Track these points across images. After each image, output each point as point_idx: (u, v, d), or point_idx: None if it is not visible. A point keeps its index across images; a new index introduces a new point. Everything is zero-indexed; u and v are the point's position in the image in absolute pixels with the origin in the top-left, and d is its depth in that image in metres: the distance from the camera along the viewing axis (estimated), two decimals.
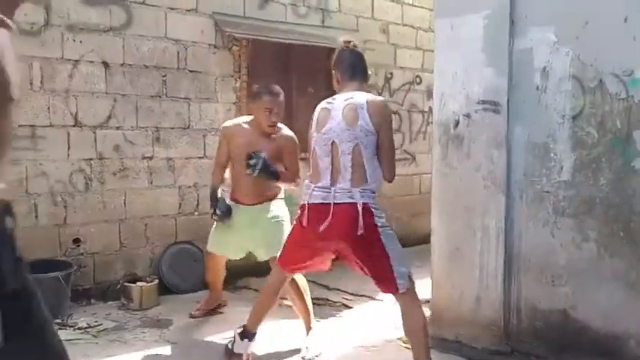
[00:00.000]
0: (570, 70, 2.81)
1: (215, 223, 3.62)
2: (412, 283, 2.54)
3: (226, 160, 3.55)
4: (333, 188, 2.46)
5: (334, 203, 2.43)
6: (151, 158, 4.40)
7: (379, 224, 2.45)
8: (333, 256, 2.70)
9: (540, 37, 2.89)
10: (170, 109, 4.47)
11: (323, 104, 2.66)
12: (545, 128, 2.89)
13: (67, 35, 4.00)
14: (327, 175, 2.50)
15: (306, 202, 2.58)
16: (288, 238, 2.79)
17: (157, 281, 4.13)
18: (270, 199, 3.51)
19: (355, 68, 2.65)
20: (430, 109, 6.11)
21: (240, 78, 4.82)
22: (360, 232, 2.39)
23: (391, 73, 5.99)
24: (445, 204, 3.22)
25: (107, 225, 4.21)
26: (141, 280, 4.09)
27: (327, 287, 4.45)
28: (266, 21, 4.96)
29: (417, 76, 6.23)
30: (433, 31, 3.44)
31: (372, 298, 4.16)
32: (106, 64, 4.15)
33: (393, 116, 2.54)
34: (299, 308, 3.33)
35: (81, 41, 4.04)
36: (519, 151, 2.98)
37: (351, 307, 4.10)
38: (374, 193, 2.48)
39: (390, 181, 2.60)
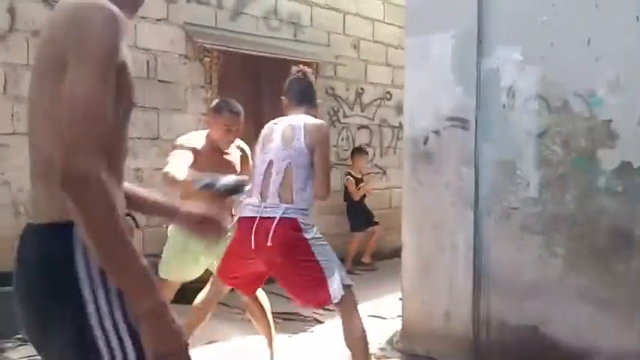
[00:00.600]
0: (536, 90, 2.89)
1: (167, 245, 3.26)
2: (348, 293, 2.57)
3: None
4: (262, 204, 2.55)
5: (260, 217, 2.50)
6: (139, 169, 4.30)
7: (309, 237, 2.51)
8: (266, 276, 2.75)
9: (507, 56, 2.97)
10: (139, 119, 4.39)
11: (269, 125, 2.74)
12: (512, 146, 2.96)
13: (33, 41, 3.89)
14: (259, 192, 2.60)
15: (239, 216, 2.67)
16: (227, 249, 2.79)
17: None
18: None
19: (304, 95, 2.77)
20: (400, 124, 6.18)
21: (210, 89, 4.78)
22: (269, 243, 2.44)
23: (362, 89, 6.05)
24: (415, 219, 3.25)
25: None
26: None
27: None
28: (238, 33, 4.94)
29: (388, 92, 6.31)
30: (403, 49, 3.49)
31: None
32: None
33: (329, 137, 2.64)
34: (260, 325, 3.26)
35: None
36: (487, 168, 3.03)
37: (322, 322, 4.07)
38: (305, 209, 2.55)
39: (324, 199, 2.66)
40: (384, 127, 6.33)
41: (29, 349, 3.36)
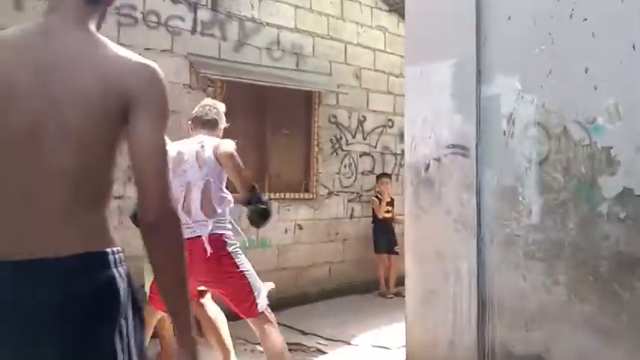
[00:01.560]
0: (535, 117, 2.90)
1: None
2: (267, 308, 2.80)
3: None
4: (192, 223, 2.74)
5: (190, 238, 2.65)
6: (121, 198, 4.32)
7: (231, 250, 2.76)
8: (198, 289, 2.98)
9: (506, 84, 2.99)
10: None
11: (176, 147, 2.93)
12: (513, 172, 2.96)
13: None
14: (186, 211, 2.78)
15: None
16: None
17: None
18: None
19: (208, 119, 3.08)
20: (402, 151, 6.21)
21: None
22: (208, 259, 2.69)
23: (364, 116, 6.10)
24: (418, 246, 3.23)
25: None
26: None
27: (302, 332, 4.36)
28: (241, 63, 5.02)
29: (390, 120, 6.35)
30: (404, 77, 3.53)
31: (348, 343, 4.09)
32: None
33: (233, 144, 2.86)
34: (214, 340, 3.22)
35: None
36: (489, 194, 3.03)
37: (325, 353, 4.01)
38: (224, 217, 2.81)
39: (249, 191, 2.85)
40: (387, 154, 6.36)
41: None
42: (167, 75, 4.40)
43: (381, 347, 3.98)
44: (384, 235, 5.78)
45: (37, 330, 1.03)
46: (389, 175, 6.05)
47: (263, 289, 2.81)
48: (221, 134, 3.12)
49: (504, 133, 3.00)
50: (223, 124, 3.14)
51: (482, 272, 3.02)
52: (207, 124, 3.06)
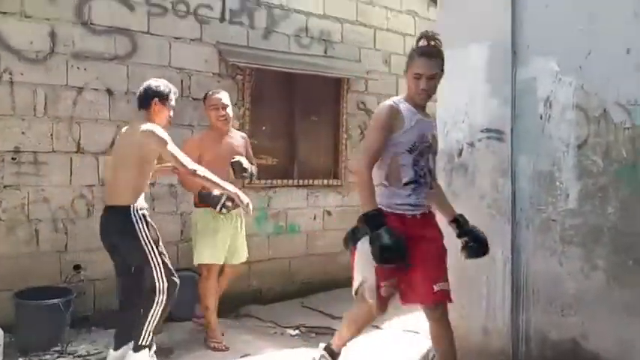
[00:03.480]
0: (574, 100, 2.83)
1: (195, 238, 3.79)
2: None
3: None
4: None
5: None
6: (153, 185, 4.39)
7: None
8: None
9: (543, 66, 2.92)
10: (174, 135, 4.45)
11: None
12: (549, 157, 2.90)
13: (72, 63, 4.04)
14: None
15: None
16: None
17: None
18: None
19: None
20: (433, 136, 6.13)
21: (243, 106, 4.85)
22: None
23: None
24: (451, 232, 3.20)
25: None
26: None
27: (331, 316, 4.38)
28: (269, 51, 5.01)
29: None
30: None
31: (378, 327, 4.09)
32: (110, 92, 4.19)
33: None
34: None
35: (85, 69, 4.08)
36: (524, 179, 2.98)
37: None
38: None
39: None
40: None
41: None
42: (196, 64, 4.52)
43: (412, 332, 3.97)
44: None
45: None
46: None
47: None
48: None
49: (541, 117, 2.94)
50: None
51: (517, 258, 2.97)
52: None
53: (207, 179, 3.10)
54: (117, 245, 3.12)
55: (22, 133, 3.88)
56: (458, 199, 3.16)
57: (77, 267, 4.09)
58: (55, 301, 3.62)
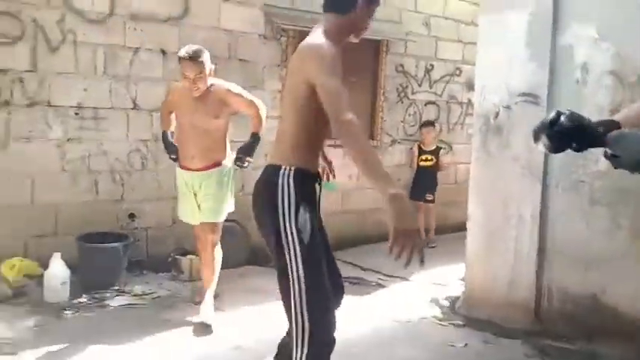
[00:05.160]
0: (610, 66, 2.92)
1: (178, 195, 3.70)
2: None
3: (170, 112, 3.60)
4: None
5: None
6: None
7: None
8: None
9: (581, 33, 3.01)
10: None
11: None
12: None
13: (129, 24, 4.28)
14: None
15: None
16: None
17: None
18: (218, 165, 3.47)
19: None
20: (469, 100, 6.21)
21: (286, 67, 5.03)
22: None
23: (432, 65, 6.11)
24: (483, 190, 3.38)
25: (160, 202, 4.50)
26: (190, 254, 4.36)
27: (361, 267, 4.66)
28: (313, 13, 5.13)
29: (458, 69, 6.33)
30: (475, 25, 3.57)
31: (406, 279, 4.34)
32: (163, 52, 4.43)
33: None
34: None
35: (141, 30, 4.32)
36: None
37: (385, 287, 4.29)
38: None
39: None
40: (452, 103, 6.37)
41: (126, 298, 3.81)
42: (243, 25, 4.69)
43: (440, 284, 4.21)
44: (418, 183, 5.83)
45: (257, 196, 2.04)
46: (432, 123, 5.98)
47: None
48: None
49: (577, 82, 3.04)
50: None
51: (545, 216, 3.14)
52: None
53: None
54: None
55: (84, 90, 4.18)
56: (492, 160, 3.33)
57: (132, 215, 4.44)
58: (115, 244, 3.98)
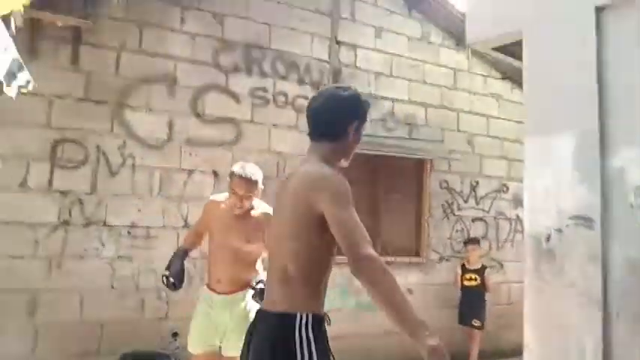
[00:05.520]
0: None
1: (194, 316, 3.18)
2: None
3: (203, 231, 3.27)
4: None
5: None
6: None
7: None
8: None
9: (632, 156, 2.96)
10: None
11: None
12: None
13: (185, 148, 4.56)
14: None
15: None
16: None
17: None
18: (245, 287, 3.08)
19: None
20: (518, 217, 6.10)
21: None
22: None
23: (477, 182, 6.12)
24: (538, 320, 3.18)
25: None
26: None
27: None
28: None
29: (504, 185, 6.30)
30: (520, 142, 3.59)
31: None
32: (215, 173, 4.65)
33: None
34: None
35: (196, 154, 4.58)
36: (616, 268, 2.94)
37: None
38: None
39: None
40: (501, 219, 6.26)
41: None
42: (292, 148, 4.89)
43: None
44: (465, 306, 5.49)
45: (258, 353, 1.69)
46: (477, 240, 5.80)
47: None
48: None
49: (631, 206, 2.94)
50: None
51: (608, 349, 2.89)
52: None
53: None
54: None
55: (138, 210, 4.37)
56: (546, 286, 3.16)
57: (175, 334, 4.39)
58: None
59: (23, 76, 2.79)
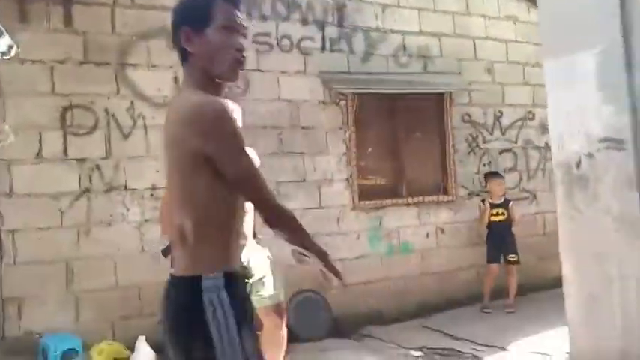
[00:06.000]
0: None
1: None
2: None
3: None
4: None
5: None
6: None
7: None
8: None
9: None
10: (287, 164, 4.74)
11: None
12: None
13: None
14: None
15: None
16: None
17: None
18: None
19: None
20: (547, 144, 5.85)
21: (348, 129, 5.00)
22: None
23: (500, 112, 5.87)
24: (575, 250, 3.06)
25: None
26: None
27: (452, 336, 4.30)
28: (369, 74, 5.13)
29: (530, 112, 6.03)
30: (540, 66, 3.37)
31: (504, 349, 3.96)
32: None
33: None
34: None
35: None
36: None
37: (481, 358, 3.91)
38: None
39: None
40: (529, 148, 6.03)
41: None
42: (302, 94, 4.71)
43: (541, 354, 3.80)
44: (494, 242, 5.23)
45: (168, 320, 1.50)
46: (498, 174, 5.46)
47: None
48: None
49: None
50: None
51: None
52: None
53: None
54: None
55: (157, 171, 4.32)
56: (580, 215, 3.02)
57: None
58: None
59: (4, 42, 2.67)
